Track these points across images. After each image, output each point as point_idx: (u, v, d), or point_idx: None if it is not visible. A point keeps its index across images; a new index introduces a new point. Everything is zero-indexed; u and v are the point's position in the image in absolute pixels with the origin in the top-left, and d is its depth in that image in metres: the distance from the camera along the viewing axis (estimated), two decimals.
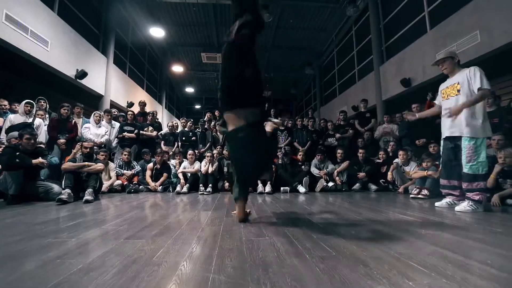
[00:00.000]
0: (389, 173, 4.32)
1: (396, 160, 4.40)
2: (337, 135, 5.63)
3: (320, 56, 12.71)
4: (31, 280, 0.90)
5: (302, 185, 4.29)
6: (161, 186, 4.45)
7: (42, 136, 4.21)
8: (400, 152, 4.35)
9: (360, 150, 4.81)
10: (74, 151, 3.78)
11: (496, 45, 4.54)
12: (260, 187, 4.18)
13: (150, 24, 9.24)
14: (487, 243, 1.33)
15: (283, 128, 5.45)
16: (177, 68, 12.70)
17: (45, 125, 4.31)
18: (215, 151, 5.02)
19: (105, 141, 4.76)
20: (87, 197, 2.95)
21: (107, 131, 4.90)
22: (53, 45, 5.73)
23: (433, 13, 6.21)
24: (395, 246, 1.26)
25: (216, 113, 7.03)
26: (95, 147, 4.04)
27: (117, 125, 5.21)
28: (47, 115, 4.51)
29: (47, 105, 4.59)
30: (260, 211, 2.43)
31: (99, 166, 3.41)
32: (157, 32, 9.37)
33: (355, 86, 9.73)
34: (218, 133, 5.77)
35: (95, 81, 7.41)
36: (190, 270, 0.98)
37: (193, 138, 5.59)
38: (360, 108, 6.34)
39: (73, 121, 4.53)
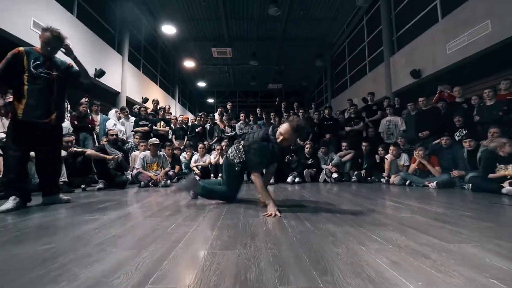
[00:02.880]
0: (386, 167, 4.38)
1: (387, 156, 4.42)
2: (347, 128, 5.68)
3: (331, 47, 12.60)
4: (80, 241, 1.22)
5: (297, 177, 4.45)
6: (176, 178, 4.69)
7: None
8: (391, 148, 4.37)
9: (364, 143, 4.81)
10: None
11: (507, 34, 4.47)
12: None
13: (161, 20, 9.56)
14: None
15: None
16: (189, 63, 13.04)
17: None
18: (223, 144, 5.27)
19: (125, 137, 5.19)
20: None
21: (125, 127, 5.32)
22: (73, 47, 6.02)
23: (445, 1, 6.08)
24: (367, 225, 1.49)
25: (229, 107, 7.21)
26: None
27: (133, 119, 5.62)
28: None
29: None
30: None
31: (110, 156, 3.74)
32: (168, 29, 9.68)
33: (365, 77, 9.67)
34: (226, 128, 6.03)
35: (112, 79, 7.86)
36: (194, 237, 1.27)
37: (198, 129, 5.81)
38: (368, 101, 6.39)
39: (91, 117, 4.93)
